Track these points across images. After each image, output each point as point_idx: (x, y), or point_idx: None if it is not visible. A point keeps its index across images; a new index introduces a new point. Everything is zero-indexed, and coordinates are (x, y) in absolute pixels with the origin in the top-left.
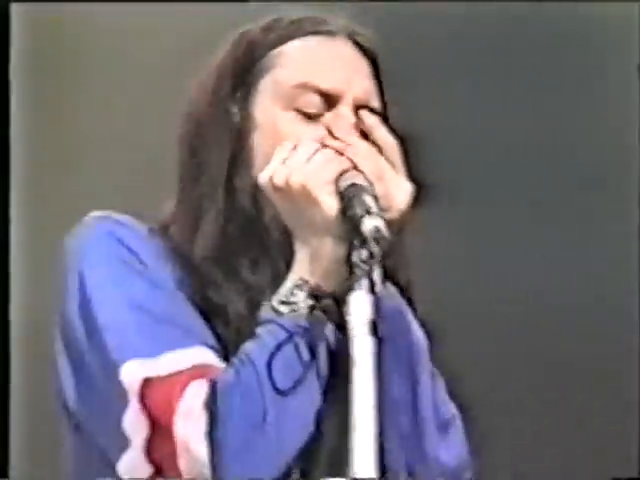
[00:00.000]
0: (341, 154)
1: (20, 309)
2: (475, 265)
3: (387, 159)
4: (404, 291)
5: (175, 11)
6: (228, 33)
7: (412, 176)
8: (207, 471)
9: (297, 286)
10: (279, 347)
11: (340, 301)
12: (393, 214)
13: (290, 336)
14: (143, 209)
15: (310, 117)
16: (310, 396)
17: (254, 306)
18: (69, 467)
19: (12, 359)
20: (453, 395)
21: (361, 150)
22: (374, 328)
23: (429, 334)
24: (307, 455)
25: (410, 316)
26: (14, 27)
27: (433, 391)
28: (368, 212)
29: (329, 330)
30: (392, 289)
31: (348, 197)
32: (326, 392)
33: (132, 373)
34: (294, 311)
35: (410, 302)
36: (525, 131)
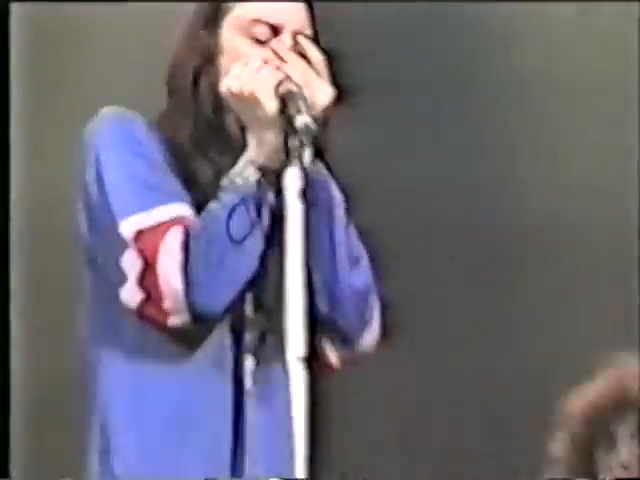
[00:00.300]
0: (279, 68)
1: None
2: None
3: (315, 70)
4: (328, 166)
5: (175, 11)
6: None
7: (335, 82)
8: (181, 296)
9: (248, 164)
10: (234, 208)
11: (279, 175)
12: (317, 111)
13: (242, 199)
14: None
15: (261, 42)
16: (256, 244)
17: (218, 178)
18: (86, 302)
19: (12, 359)
20: (367, 244)
21: (295, 65)
22: (303, 195)
23: (347, 196)
24: (256, 285)
25: (331, 184)
26: (14, 27)
27: (346, 237)
28: (299, 111)
29: (271, 196)
30: (319, 165)
31: (284, 100)
32: (268, 240)
33: (128, 227)
34: (246, 182)
35: (331, 171)
36: None
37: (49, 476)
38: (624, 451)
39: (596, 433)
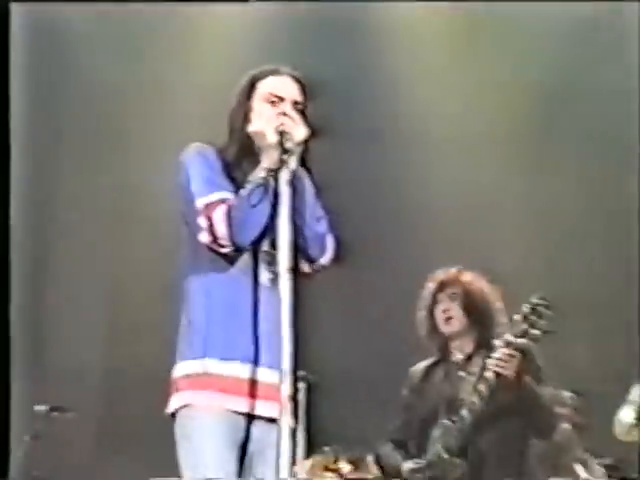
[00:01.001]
0: (283, 119)
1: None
2: None
3: (297, 122)
4: (309, 170)
5: (176, 11)
6: (228, 32)
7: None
8: (226, 237)
9: (261, 169)
10: (252, 189)
11: (277, 174)
12: (296, 143)
13: (257, 185)
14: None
15: (273, 105)
16: (265, 208)
17: (246, 177)
18: (183, 242)
19: (12, 360)
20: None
21: (290, 118)
22: (292, 184)
23: (316, 184)
24: (267, 233)
25: (308, 182)
26: (14, 27)
27: (314, 206)
28: (287, 141)
29: (272, 185)
30: (301, 169)
31: (281, 136)
32: (273, 206)
33: (200, 202)
34: (259, 178)
35: (310, 172)
36: None
37: (49, 476)
38: (442, 303)
39: (433, 299)
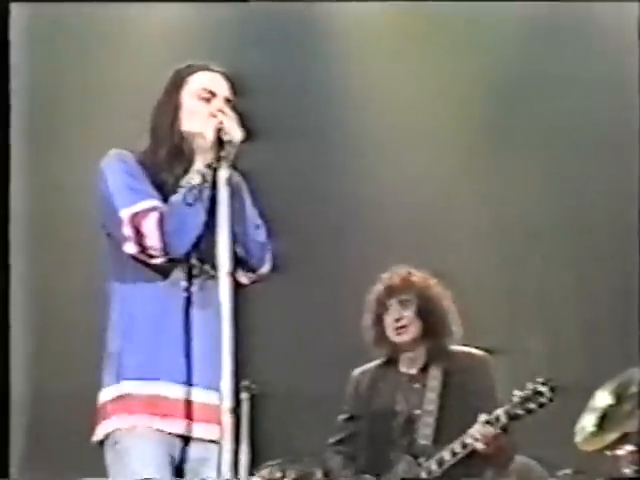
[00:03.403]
0: (217, 116)
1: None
2: None
3: (234, 121)
4: (244, 175)
5: (176, 11)
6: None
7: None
8: (158, 248)
9: (195, 172)
10: (188, 190)
11: (214, 174)
12: (234, 143)
13: (191, 188)
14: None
15: (206, 101)
16: (201, 210)
17: (177, 183)
18: (107, 263)
19: (12, 360)
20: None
21: (227, 115)
22: (233, 186)
23: (252, 190)
24: (205, 241)
25: (244, 188)
26: (14, 27)
27: (251, 213)
28: (226, 139)
29: (209, 188)
30: (235, 174)
31: (218, 135)
32: (209, 212)
33: (124, 212)
34: (193, 181)
35: (245, 177)
36: None
37: (49, 476)
38: (393, 310)
39: (382, 305)
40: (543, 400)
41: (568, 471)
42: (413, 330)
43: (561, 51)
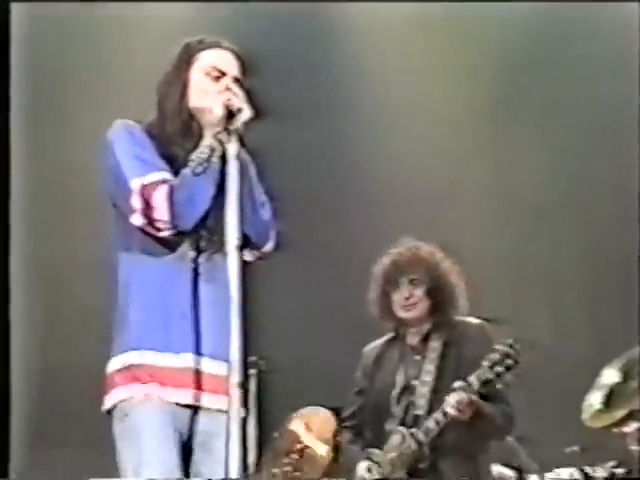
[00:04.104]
0: (226, 94)
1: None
2: None
3: (242, 100)
4: (251, 153)
5: (176, 11)
6: (229, 31)
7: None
8: (167, 220)
9: (204, 147)
10: (197, 164)
11: (223, 149)
12: (243, 119)
13: (200, 161)
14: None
15: (215, 79)
16: (210, 182)
17: (187, 157)
18: (113, 235)
19: (12, 362)
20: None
21: (235, 94)
22: (240, 163)
23: (259, 167)
24: (212, 215)
25: (249, 161)
26: (14, 27)
27: (257, 190)
28: (233, 116)
29: (216, 163)
30: (243, 150)
31: (229, 110)
32: (218, 187)
33: (134, 183)
34: (202, 155)
35: (252, 155)
36: None
37: (49, 476)
38: (403, 289)
39: (391, 282)
40: (510, 362)
41: (575, 448)
42: (422, 307)
43: (565, 30)
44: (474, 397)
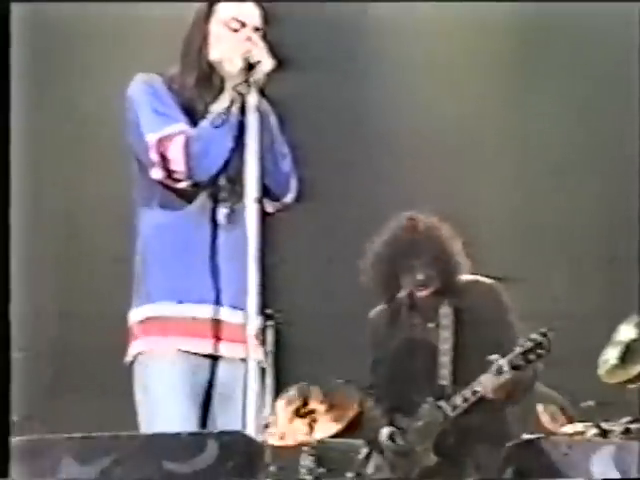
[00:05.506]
0: (246, 44)
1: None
2: None
3: (263, 50)
4: (272, 104)
5: (176, 11)
6: None
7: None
8: (184, 171)
9: (225, 97)
10: (216, 116)
11: (243, 101)
12: (263, 70)
13: (219, 113)
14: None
15: (235, 31)
16: (228, 137)
17: (206, 109)
18: (134, 179)
19: (13, 361)
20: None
21: (256, 44)
22: (261, 114)
23: (280, 119)
24: (232, 166)
25: (272, 117)
26: (14, 27)
27: (279, 142)
28: (253, 67)
29: (235, 115)
30: (264, 101)
31: (249, 62)
32: (236, 139)
33: (150, 137)
34: (223, 105)
35: (271, 103)
36: None
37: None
38: (417, 273)
39: (400, 262)
40: (542, 352)
41: (591, 403)
42: (432, 286)
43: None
44: (505, 380)
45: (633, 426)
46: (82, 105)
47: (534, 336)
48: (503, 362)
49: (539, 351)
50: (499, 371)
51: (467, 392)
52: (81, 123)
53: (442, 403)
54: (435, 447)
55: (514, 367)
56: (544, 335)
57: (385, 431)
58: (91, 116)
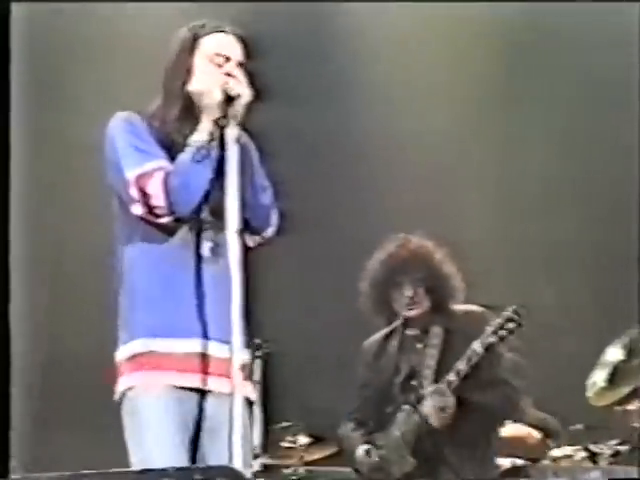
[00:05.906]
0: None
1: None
2: None
3: (243, 83)
4: (252, 136)
5: (176, 12)
6: (232, 14)
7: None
8: (164, 207)
9: (203, 129)
10: (195, 150)
11: (223, 132)
12: (242, 102)
13: (199, 147)
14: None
15: (219, 66)
16: (208, 168)
17: (185, 142)
18: (115, 216)
19: (13, 362)
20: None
21: (236, 78)
22: (241, 147)
23: (261, 151)
24: (214, 199)
25: (250, 145)
26: (14, 27)
27: (259, 175)
28: (234, 100)
29: (217, 147)
30: (244, 134)
31: (227, 94)
32: (216, 171)
33: (130, 174)
34: (200, 140)
35: (252, 136)
36: None
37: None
38: (405, 289)
39: (390, 280)
40: (512, 326)
41: (579, 426)
42: (424, 304)
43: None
44: (450, 403)
45: (622, 448)
46: (72, 140)
47: (504, 313)
48: (476, 345)
49: (510, 325)
50: (473, 354)
51: (443, 382)
52: (68, 159)
53: (417, 406)
54: (413, 451)
55: (487, 347)
56: (514, 312)
57: (361, 449)
58: (78, 153)
